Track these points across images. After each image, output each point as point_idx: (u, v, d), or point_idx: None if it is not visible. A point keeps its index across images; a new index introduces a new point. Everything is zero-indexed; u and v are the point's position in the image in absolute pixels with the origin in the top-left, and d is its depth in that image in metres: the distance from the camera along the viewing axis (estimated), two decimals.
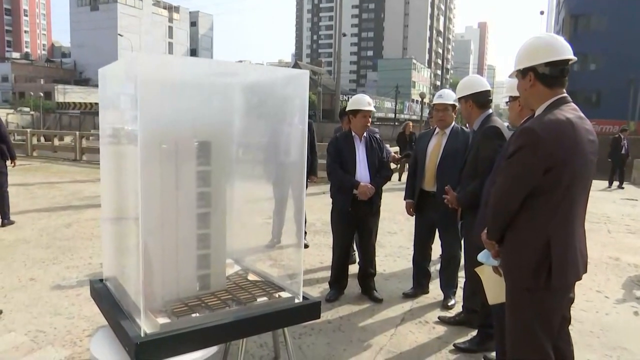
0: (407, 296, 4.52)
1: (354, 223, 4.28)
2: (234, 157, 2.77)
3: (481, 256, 2.78)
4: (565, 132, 2.05)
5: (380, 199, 4.37)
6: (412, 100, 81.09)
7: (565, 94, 2.17)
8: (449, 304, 4.29)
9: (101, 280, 2.96)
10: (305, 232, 5.42)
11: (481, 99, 3.48)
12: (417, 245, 4.56)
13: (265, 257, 3.72)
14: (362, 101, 4.21)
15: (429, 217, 4.36)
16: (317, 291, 4.64)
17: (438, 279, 4.55)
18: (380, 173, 4.26)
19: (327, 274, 4.97)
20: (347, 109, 4.29)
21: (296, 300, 2.67)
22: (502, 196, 2.15)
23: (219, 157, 2.58)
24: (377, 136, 4.47)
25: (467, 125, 4.78)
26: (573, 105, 2.15)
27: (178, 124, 2.39)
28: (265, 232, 3.80)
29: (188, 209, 2.50)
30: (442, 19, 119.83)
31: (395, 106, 63.61)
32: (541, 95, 2.18)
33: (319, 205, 8.44)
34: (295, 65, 59.90)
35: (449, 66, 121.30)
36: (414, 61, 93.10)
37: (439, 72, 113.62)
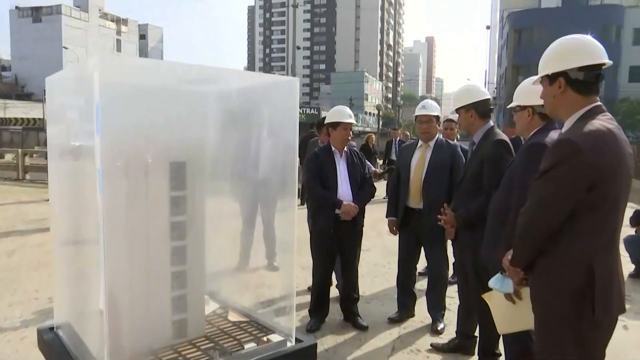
0: (393, 321, 4.21)
1: (336, 245, 3.94)
2: (211, 176, 2.39)
3: (494, 282, 2.51)
4: (608, 143, 1.80)
5: (364, 217, 4.06)
6: (365, 113, 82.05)
7: (600, 103, 1.94)
8: (439, 328, 4.01)
9: (51, 328, 2.47)
10: (275, 253, 5.10)
11: (483, 108, 3.24)
12: (402, 266, 4.26)
13: (242, 286, 3.33)
14: (343, 113, 3.90)
15: (414, 235, 4.08)
16: (295, 320, 4.25)
17: (422, 300, 4.27)
18: (363, 190, 3.95)
19: (303, 299, 4.61)
20: (327, 121, 3.96)
21: (289, 344, 2.30)
22: (536, 218, 1.88)
23: (195, 180, 2.19)
24: (357, 150, 4.17)
25: (444, 137, 4.58)
26: (609, 115, 1.91)
27: (147, 141, 1.99)
28: (238, 255, 3.44)
29: (160, 242, 2.10)
30: (392, 33, 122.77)
31: None
32: (573, 103, 1.93)
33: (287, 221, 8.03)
34: None
35: (399, 79, 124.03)
36: (366, 74, 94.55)
37: (390, 84, 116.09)
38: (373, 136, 12.85)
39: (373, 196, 4.08)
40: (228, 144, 2.40)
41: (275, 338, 2.30)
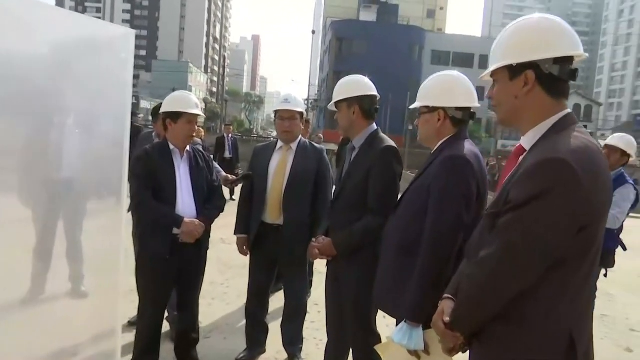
0: None
1: (174, 273, 2.99)
2: None
3: (399, 337, 1.94)
4: (601, 167, 1.31)
5: (209, 237, 3.18)
6: None
7: (570, 110, 1.45)
8: None
9: None
10: (83, 275, 3.84)
11: (369, 107, 2.63)
12: (254, 293, 3.50)
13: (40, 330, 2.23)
14: (187, 101, 2.95)
15: (271, 256, 3.36)
16: None
17: (273, 327, 3.58)
18: (210, 203, 3.07)
19: (122, 340, 3.53)
20: (164, 110, 2.94)
21: None
22: (513, 267, 1.29)
23: None
24: (202, 150, 3.26)
25: (308, 137, 3.94)
26: (583, 127, 1.43)
27: None
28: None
29: None
30: (218, 26, 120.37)
31: None
32: (542, 107, 1.41)
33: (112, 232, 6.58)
34: None
35: (225, 74, 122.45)
36: (191, 65, 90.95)
37: (215, 78, 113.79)
38: (202, 130, 11.81)
39: (222, 210, 3.22)
40: (19, 129, 1.36)
41: None
